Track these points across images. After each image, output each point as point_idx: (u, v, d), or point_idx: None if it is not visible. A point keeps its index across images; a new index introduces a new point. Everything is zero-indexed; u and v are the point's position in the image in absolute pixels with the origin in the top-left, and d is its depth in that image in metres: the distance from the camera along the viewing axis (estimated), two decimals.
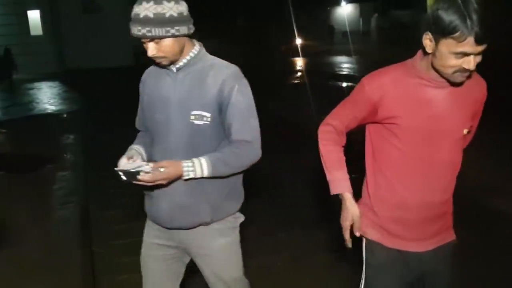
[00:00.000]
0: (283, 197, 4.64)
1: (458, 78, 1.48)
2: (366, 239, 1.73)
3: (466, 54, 1.40)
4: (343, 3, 29.73)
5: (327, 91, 12.11)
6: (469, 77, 1.51)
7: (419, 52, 1.58)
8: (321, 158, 1.74)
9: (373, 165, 1.71)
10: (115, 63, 17.98)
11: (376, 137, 1.68)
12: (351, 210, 1.65)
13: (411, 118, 1.55)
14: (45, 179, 5.27)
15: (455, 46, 1.39)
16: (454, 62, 1.42)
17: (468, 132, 1.65)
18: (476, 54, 1.41)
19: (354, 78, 13.41)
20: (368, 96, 1.60)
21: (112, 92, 12.49)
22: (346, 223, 1.67)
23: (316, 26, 31.47)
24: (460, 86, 1.53)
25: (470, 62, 1.41)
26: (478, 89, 1.64)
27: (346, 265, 3.26)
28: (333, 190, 1.69)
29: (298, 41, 24.63)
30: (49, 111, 9.98)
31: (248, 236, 3.74)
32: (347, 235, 1.68)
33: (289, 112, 8.73)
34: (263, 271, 3.25)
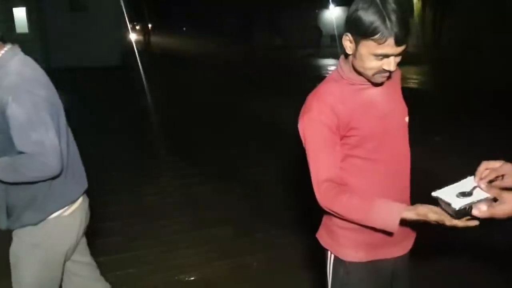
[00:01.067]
0: (261, 198, 4.66)
1: (379, 79, 1.48)
2: (338, 259, 1.66)
3: (386, 56, 1.39)
4: (331, 6, 29.86)
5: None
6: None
7: (341, 59, 1.57)
8: (346, 216, 1.50)
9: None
10: (101, 62, 17.85)
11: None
12: (424, 213, 1.34)
13: (365, 125, 1.52)
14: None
15: (375, 48, 1.37)
16: (374, 63, 1.41)
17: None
18: (396, 55, 1.40)
19: None
20: (329, 124, 1.51)
21: (97, 92, 12.41)
22: (439, 221, 1.32)
23: (304, 29, 31.60)
24: (386, 81, 1.53)
25: (391, 63, 1.41)
26: (397, 77, 1.65)
27: (322, 265, 3.29)
28: (390, 224, 1.41)
29: (284, 43, 24.76)
30: None
31: (225, 237, 3.80)
32: (459, 223, 1.29)
33: (270, 112, 8.77)
34: (239, 271, 3.28)
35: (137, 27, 49.47)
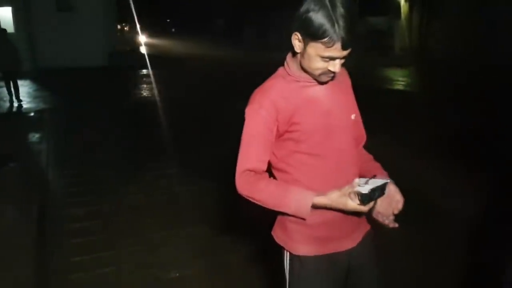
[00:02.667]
0: (241, 198, 4.65)
1: (324, 78, 1.52)
2: (292, 254, 1.68)
3: (332, 58, 1.44)
4: None
5: None
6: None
7: (288, 57, 1.61)
8: (264, 204, 1.57)
9: (285, 181, 1.63)
10: (88, 62, 17.75)
11: (279, 152, 1.63)
12: (336, 200, 1.46)
13: (308, 120, 1.56)
14: (5, 176, 5.17)
15: (322, 51, 1.42)
16: (321, 64, 1.46)
17: (356, 119, 1.69)
18: (341, 58, 1.45)
19: None
20: (267, 117, 1.55)
21: (82, 92, 12.34)
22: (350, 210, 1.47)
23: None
24: (332, 80, 1.58)
25: (336, 65, 1.46)
26: (344, 76, 1.71)
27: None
28: (303, 211, 1.51)
29: (273, 45, 24.73)
30: (16, 109, 9.81)
31: (206, 235, 3.80)
32: (364, 208, 1.45)
33: None
34: (217, 270, 3.29)
35: (126, 28, 49.27)
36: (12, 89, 10.08)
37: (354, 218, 1.67)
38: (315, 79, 1.55)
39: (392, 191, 1.58)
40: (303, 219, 1.55)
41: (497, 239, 3.23)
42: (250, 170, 1.57)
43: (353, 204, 1.42)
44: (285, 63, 1.62)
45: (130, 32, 46.68)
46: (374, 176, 1.54)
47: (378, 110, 7.50)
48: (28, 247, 3.51)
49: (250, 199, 1.59)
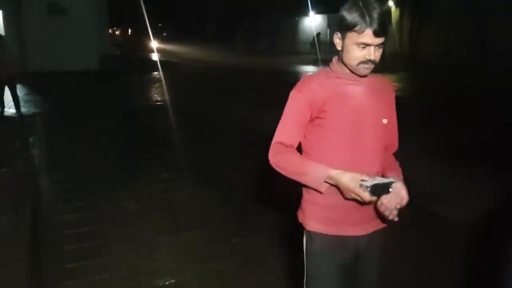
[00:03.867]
0: (237, 203, 4.65)
1: (362, 69, 1.69)
2: (306, 230, 1.86)
3: (367, 45, 1.64)
4: (311, 14, 30.12)
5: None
6: (376, 75, 1.80)
7: (334, 59, 1.81)
8: (287, 172, 1.76)
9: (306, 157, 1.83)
10: (80, 66, 17.63)
11: (309, 136, 1.81)
12: (347, 180, 1.62)
13: (336, 111, 1.73)
14: None
15: (357, 38, 1.63)
16: (358, 53, 1.65)
17: (388, 124, 1.81)
18: (375, 46, 1.65)
19: None
20: (303, 102, 1.76)
21: (74, 96, 12.26)
22: (353, 195, 1.62)
23: (285, 36, 31.80)
24: (372, 84, 1.78)
25: (371, 53, 1.65)
26: (387, 87, 1.88)
27: (297, 268, 3.30)
28: (318, 181, 1.69)
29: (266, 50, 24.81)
30: (7, 113, 9.69)
31: (201, 241, 3.78)
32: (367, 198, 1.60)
33: (249, 118, 8.79)
34: (216, 276, 3.26)
35: (117, 32, 49.07)
36: (11, 98, 9.16)
37: (368, 211, 1.78)
38: (355, 73, 1.73)
39: (398, 187, 1.66)
40: (320, 192, 1.72)
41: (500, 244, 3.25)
42: (281, 143, 1.79)
43: (357, 189, 1.59)
44: (330, 63, 1.81)
45: (122, 36, 46.46)
46: (383, 176, 1.71)
47: None
48: (21, 254, 3.46)
49: (276, 168, 1.78)
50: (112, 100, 11.86)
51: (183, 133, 7.81)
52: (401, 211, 1.68)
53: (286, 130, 1.81)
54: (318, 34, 28.66)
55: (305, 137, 1.83)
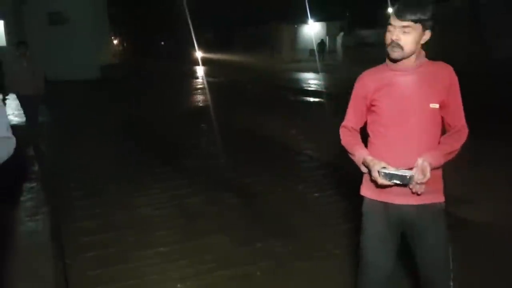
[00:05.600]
0: (255, 207, 4.63)
1: (392, 53, 1.96)
2: (361, 194, 2.22)
3: (392, 26, 1.92)
4: (310, 21, 30.29)
5: (297, 106, 12.29)
6: (435, 63, 2.02)
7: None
8: (345, 149, 2.20)
9: (369, 139, 2.17)
10: (81, 75, 17.67)
11: (369, 121, 2.17)
12: (371, 168, 2.01)
13: (384, 100, 2.04)
14: (12, 191, 5.08)
15: (388, 21, 1.93)
16: (387, 35, 1.95)
17: (442, 107, 2.01)
18: (399, 28, 1.89)
19: (321, 94, 13.69)
20: (358, 93, 2.15)
21: (77, 105, 12.27)
22: (373, 178, 2.02)
23: (284, 43, 31.95)
24: (425, 72, 1.99)
25: (393, 33, 1.91)
26: (443, 73, 2.02)
27: (322, 273, 3.29)
28: (359, 163, 2.11)
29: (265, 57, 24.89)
30: (13, 122, 9.67)
31: (224, 246, 3.75)
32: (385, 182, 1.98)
33: (256, 124, 8.87)
34: (241, 281, 3.23)
35: (115, 42, 49.19)
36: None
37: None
38: (390, 59, 2.00)
39: (423, 166, 1.91)
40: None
41: None
42: (344, 127, 2.24)
43: (374, 173, 1.98)
44: (387, 58, 2.07)
45: (120, 45, 46.57)
46: (410, 168, 1.95)
47: None
48: (45, 263, 3.43)
49: (344, 148, 2.20)
50: (116, 107, 11.85)
51: (193, 140, 7.81)
52: None
53: (348, 116, 2.22)
54: (322, 41, 28.87)
55: (367, 121, 2.18)
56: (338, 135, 2.25)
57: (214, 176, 5.70)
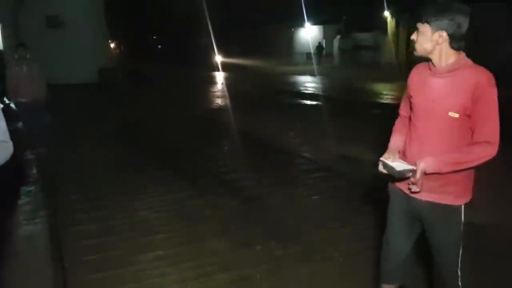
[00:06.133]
0: (255, 210, 4.63)
1: (415, 51, 2.11)
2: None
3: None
4: (307, 25, 30.36)
5: (295, 109, 12.30)
6: (473, 67, 2.01)
7: None
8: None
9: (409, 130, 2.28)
10: (79, 79, 17.61)
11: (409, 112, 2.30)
12: (387, 153, 2.23)
13: (416, 97, 2.16)
14: (10, 194, 5.07)
15: None
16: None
17: (464, 117, 1.99)
18: (417, 30, 2.06)
19: (317, 97, 13.72)
20: (407, 83, 2.27)
21: (76, 108, 12.24)
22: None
23: (281, 47, 32.01)
24: (458, 77, 2.00)
25: (414, 34, 2.08)
26: (472, 80, 1.96)
27: (322, 276, 3.29)
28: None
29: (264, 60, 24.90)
30: (11, 126, 9.64)
31: (225, 249, 3.75)
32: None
33: (254, 127, 8.87)
34: (243, 284, 3.23)
35: (112, 45, 49.19)
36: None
37: (430, 183, 2.07)
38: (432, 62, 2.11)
39: (420, 167, 1.99)
40: None
41: None
42: (399, 115, 2.42)
43: (380, 163, 2.16)
44: None
45: (117, 48, 46.54)
46: (415, 164, 2.04)
47: (370, 122, 7.52)
48: (43, 266, 3.43)
49: None
50: (114, 111, 11.83)
51: (191, 143, 7.80)
52: None
53: (401, 104, 2.39)
54: (320, 44, 28.95)
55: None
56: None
57: (214, 179, 5.69)
